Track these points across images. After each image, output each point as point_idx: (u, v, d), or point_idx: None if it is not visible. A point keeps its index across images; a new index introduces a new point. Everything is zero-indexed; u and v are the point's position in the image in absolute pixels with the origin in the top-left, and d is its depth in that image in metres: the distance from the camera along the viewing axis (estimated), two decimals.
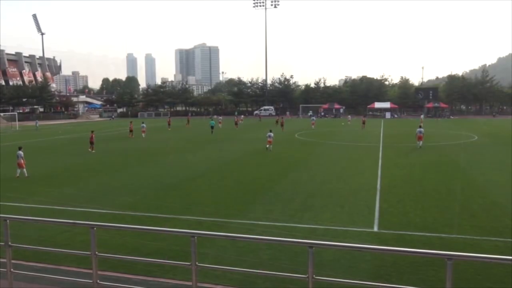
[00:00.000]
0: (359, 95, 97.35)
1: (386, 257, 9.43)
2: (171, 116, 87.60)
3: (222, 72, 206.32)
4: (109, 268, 8.55)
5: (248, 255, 9.79)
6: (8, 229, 6.01)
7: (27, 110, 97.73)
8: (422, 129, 31.93)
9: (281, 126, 49.48)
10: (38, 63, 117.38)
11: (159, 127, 58.62)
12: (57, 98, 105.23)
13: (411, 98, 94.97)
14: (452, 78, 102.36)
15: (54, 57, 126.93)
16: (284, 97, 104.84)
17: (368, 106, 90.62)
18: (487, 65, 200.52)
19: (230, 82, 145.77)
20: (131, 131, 44.55)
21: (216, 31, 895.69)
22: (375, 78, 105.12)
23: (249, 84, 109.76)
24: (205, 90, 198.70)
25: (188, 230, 6.20)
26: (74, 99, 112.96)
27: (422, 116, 72.62)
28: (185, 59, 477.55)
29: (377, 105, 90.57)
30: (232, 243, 10.37)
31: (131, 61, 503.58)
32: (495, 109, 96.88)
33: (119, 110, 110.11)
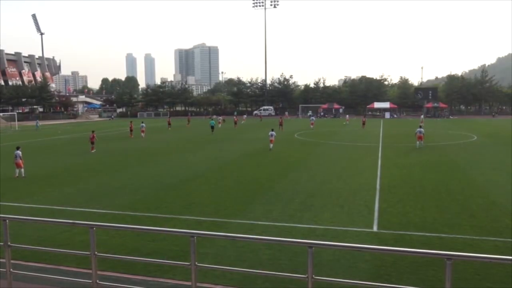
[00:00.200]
0: (358, 95, 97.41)
1: (385, 257, 9.43)
2: (171, 116, 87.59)
3: (222, 72, 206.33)
4: (108, 268, 8.55)
5: (248, 255, 9.80)
6: (7, 229, 6.00)
7: (26, 110, 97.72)
8: (422, 129, 31.96)
9: (279, 126, 49.48)
10: (38, 63, 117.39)
11: (159, 127, 58.60)
12: (57, 98, 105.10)
13: (410, 98, 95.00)
14: (451, 78, 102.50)
15: (53, 57, 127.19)
16: (283, 97, 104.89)
17: (368, 106, 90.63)
18: (487, 65, 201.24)
19: (230, 82, 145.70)
20: (131, 130, 44.68)
21: (216, 31, 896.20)
22: (374, 78, 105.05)
23: (248, 84, 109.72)
24: (204, 90, 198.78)
25: (187, 230, 6.19)
26: (74, 99, 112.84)
27: (422, 116, 72.64)
28: (185, 59, 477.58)
29: (377, 105, 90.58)
30: (232, 243, 10.36)
31: (131, 61, 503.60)
32: (495, 109, 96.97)
33: (119, 110, 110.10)
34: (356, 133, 45.60)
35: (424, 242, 10.77)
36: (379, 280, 8.33)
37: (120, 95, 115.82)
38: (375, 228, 12.03)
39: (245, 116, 78.40)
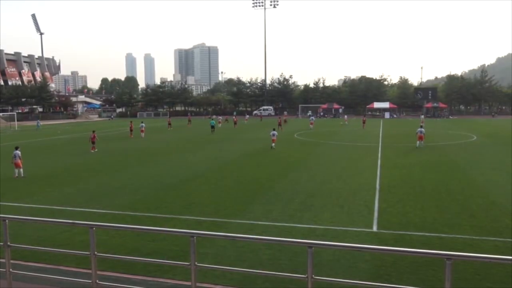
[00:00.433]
0: (358, 95, 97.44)
1: (385, 257, 9.43)
2: (171, 116, 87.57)
3: (221, 72, 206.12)
4: (108, 268, 8.55)
5: (248, 255, 9.79)
6: (7, 229, 6.00)
7: (26, 110, 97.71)
8: (423, 129, 31.98)
9: (279, 126, 49.46)
10: (37, 63, 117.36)
11: (159, 127, 58.60)
12: (56, 98, 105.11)
13: (410, 98, 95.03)
14: (451, 78, 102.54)
15: (53, 57, 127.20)
16: (283, 97, 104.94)
17: (367, 106, 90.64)
18: (486, 65, 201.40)
19: (229, 82, 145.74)
20: (131, 130, 44.72)
21: (215, 31, 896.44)
22: (374, 78, 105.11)
23: (248, 84, 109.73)
24: (204, 90, 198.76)
25: (187, 230, 6.19)
26: (73, 99, 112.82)
27: (422, 116, 72.66)
28: (184, 59, 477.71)
29: (376, 105, 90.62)
30: (232, 243, 10.36)
31: (130, 61, 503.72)
32: (494, 109, 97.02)
33: (118, 110, 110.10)
34: (356, 133, 45.61)
35: (424, 242, 10.77)
36: (379, 280, 8.33)
37: (120, 95, 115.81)
38: (375, 228, 12.02)
39: (247, 116, 78.42)
